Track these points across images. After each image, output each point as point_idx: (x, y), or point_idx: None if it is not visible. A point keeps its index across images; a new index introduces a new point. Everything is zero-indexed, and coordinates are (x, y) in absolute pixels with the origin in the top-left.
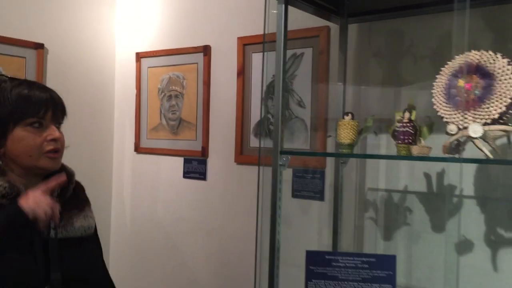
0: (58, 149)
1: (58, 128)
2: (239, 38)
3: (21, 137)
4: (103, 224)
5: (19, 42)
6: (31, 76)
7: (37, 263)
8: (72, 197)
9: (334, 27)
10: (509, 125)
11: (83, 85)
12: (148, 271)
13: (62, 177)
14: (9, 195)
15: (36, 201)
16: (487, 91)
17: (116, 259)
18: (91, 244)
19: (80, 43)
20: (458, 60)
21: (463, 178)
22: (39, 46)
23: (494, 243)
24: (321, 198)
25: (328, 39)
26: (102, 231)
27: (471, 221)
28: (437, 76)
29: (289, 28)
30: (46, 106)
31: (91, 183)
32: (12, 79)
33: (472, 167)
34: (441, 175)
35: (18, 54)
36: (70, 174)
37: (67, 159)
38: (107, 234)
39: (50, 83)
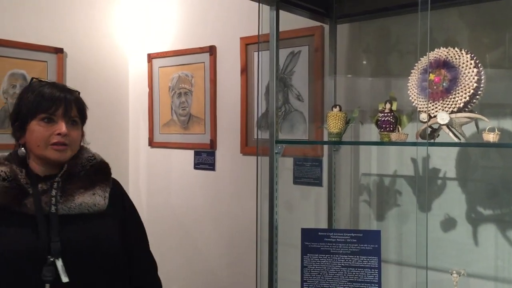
0: (63, 143)
1: (73, 125)
2: (242, 38)
3: (33, 129)
4: None
5: (41, 48)
6: (52, 78)
7: (38, 235)
8: (83, 177)
9: (328, 27)
10: (474, 113)
11: (100, 86)
12: (164, 256)
13: None
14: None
15: None
16: (453, 83)
17: None
18: (98, 220)
19: (96, 46)
20: (430, 56)
21: (446, 161)
22: (58, 51)
23: (475, 220)
24: (319, 184)
25: (322, 37)
26: None
27: (453, 201)
28: (411, 71)
29: (287, 27)
30: (57, 104)
31: None
32: (41, 81)
33: (454, 152)
34: (426, 160)
35: (40, 59)
36: (104, 163)
37: None
38: None
39: (69, 84)
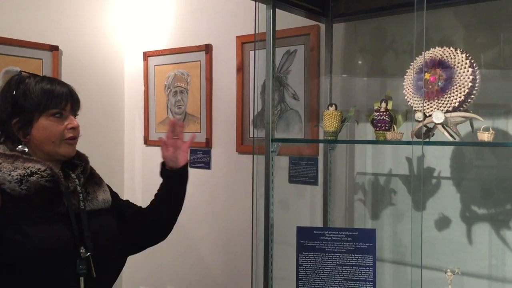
0: (76, 137)
1: (76, 119)
2: (238, 37)
3: (45, 126)
4: None
5: (36, 45)
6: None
7: (71, 231)
8: (91, 176)
9: (324, 26)
10: (468, 112)
11: (95, 83)
12: (159, 253)
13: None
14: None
15: None
16: (449, 83)
17: None
18: (109, 214)
19: (92, 44)
20: (425, 56)
21: (441, 161)
22: (54, 48)
23: (469, 219)
24: (315, 182)
25: (318, 37)
26: None
27: (448, 200)
28: (407, 70)
29: (283, 27)
30: (66, 99)
31: (104, 174)
32: (33, 75)
33: (449, 151)
34: (421, 159)
35: (35, 56)
36: (85, 157)
37: (83, 151)
38: None
39: (65, 81)
